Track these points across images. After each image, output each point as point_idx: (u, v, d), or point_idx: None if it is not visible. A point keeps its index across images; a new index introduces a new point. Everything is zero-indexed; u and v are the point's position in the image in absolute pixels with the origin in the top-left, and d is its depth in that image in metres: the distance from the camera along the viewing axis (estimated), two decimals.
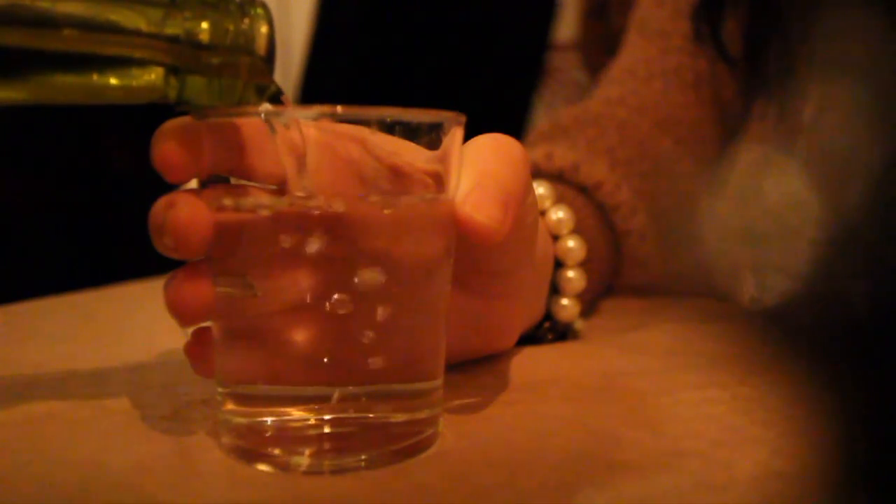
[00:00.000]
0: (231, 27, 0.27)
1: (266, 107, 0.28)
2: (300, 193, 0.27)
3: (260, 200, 0.28)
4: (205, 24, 0.26)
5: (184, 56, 0.26)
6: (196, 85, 0.27)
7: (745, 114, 0.55)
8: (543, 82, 1.42)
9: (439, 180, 0.28)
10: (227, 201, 0.27)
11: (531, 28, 1.33)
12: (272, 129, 0.27)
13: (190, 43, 0.26)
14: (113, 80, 0.26)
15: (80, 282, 0.60)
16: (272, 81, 0.28)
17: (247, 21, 0.27)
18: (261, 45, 0.27)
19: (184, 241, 0.27)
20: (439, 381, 0.29)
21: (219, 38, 0.26)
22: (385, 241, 0.27)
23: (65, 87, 0.26)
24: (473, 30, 1.27)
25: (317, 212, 0.26)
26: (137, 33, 0.25)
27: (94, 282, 0.61)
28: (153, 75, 0.26)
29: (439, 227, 0.28)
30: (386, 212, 0.27)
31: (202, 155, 0.28)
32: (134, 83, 0.26)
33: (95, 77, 0.25)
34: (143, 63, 0.26)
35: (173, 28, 0.26)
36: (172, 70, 0.26)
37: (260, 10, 0.27)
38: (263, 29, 0.27)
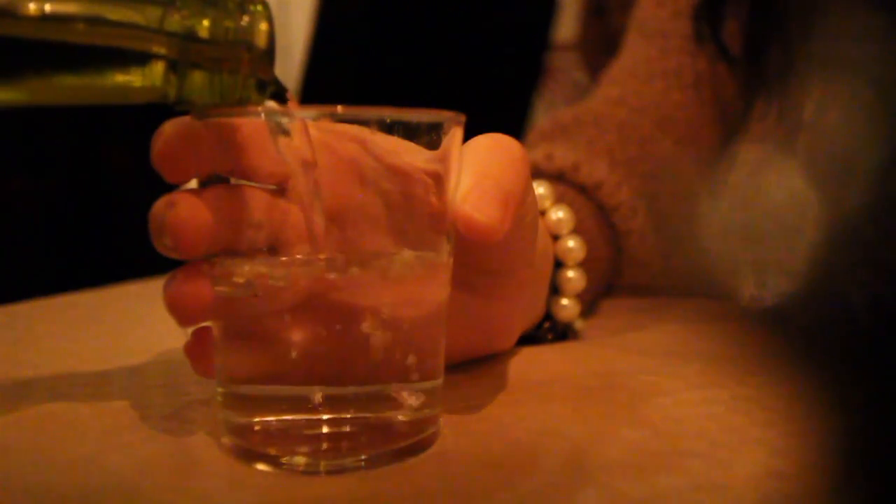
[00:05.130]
0: (230, 25, 0.27)
1: (267, 106, 0.28)
2: (306, 200, 0.27)
3: (257, 270, 0.27)
4: (204, 22, 0.26)
5: (183, 51, 0.26)
6: (196, 81, 0.27)
7: (745, 113, 0.55)
8: (543, 82, 1.42)
9: (439, 180, 0.28)
10: (220, 277, 0.27)
11: (531, 28, 1.33)
12: (272, 128, 0.27)
13: (189, 39, 0.26)
14: (112, 80, 0.26)
15: (80, 282, 0.60)
16: (273, 79, 0.28)
17: (246, 18, 0.27)
18: (260, 42, 0.27)
19: (184, 241, 0.27)
20: (439, 381, 0.29)
21: (218, 35, 0.26)
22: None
23: (64, 87, 0.25)
24: (474, 29, 1.27)
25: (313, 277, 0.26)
26: (136, 28, 0.25)
27: (94, 282, 0.61)
28: (153, 72, 0.26)
29: (441, 280, 0.29)
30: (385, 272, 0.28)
31: (202, 155, 0.28)
32: (134, 82, 0.26)
33: (95, 77, 0.25)
34: (142, 60, 0.26)
35: (172, 26, 0.26)
36: (172, 66, 0.26)
37: (259, 8, 0.27)
38: (263, 26, 0.27)
